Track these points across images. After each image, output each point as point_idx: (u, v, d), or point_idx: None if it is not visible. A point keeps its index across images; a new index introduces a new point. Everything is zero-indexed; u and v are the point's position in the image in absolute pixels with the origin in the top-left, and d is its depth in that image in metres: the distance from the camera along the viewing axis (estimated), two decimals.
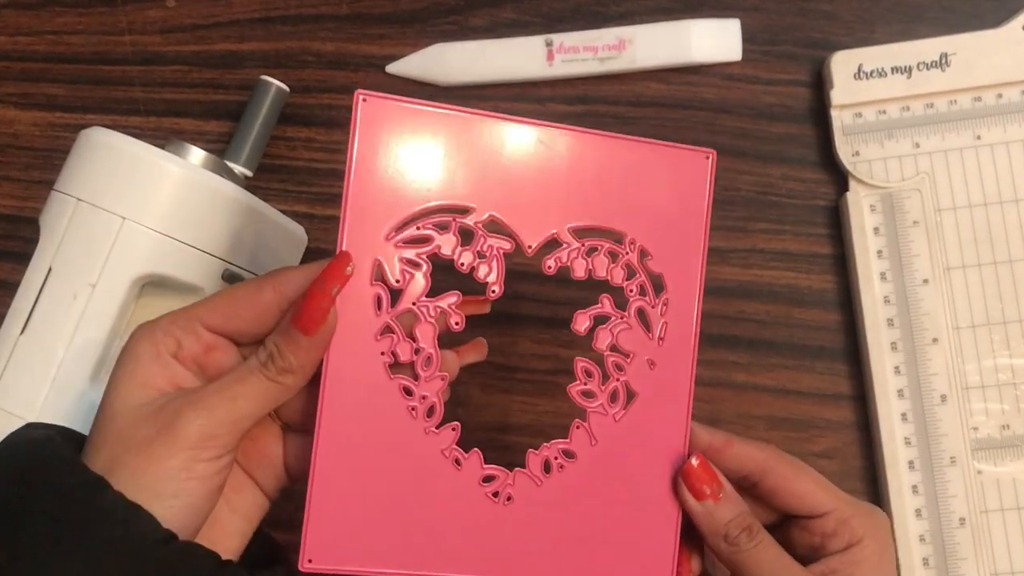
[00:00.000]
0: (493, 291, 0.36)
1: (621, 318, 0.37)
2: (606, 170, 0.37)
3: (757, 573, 0.36)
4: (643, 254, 0.37)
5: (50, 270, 0.42)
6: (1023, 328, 0.46)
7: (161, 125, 0.53)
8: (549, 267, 0.37)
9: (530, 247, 0.36)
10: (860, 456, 0.48)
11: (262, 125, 0.50)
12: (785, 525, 0.39)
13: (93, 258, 0.41)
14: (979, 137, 0.48)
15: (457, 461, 0.35)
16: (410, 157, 0.35)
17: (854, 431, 0.48)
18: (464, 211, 0.36)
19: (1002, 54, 0.47)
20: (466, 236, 0.36)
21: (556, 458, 0.36)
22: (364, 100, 0.35)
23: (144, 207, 0.42)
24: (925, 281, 0.47)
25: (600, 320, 0.37)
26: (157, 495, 0.31)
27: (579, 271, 0.37)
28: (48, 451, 0.32)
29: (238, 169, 0.49)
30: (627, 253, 0.37)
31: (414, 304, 0.35)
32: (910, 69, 0.48)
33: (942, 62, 0.48)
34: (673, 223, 0.37)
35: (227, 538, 0.35)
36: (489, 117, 0.36)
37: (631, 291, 0.37)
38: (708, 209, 0.37)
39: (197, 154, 0.44)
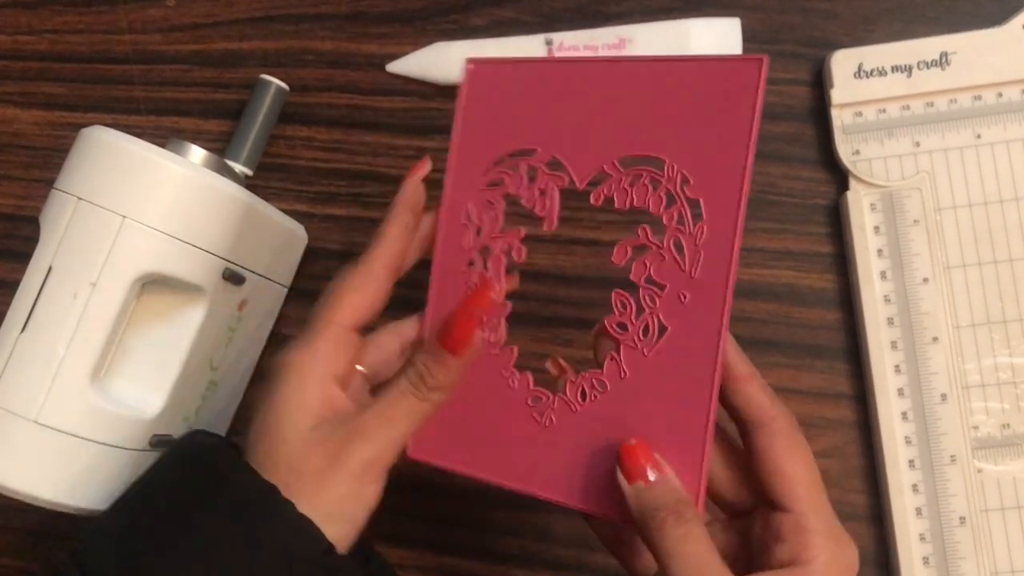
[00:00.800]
0: (549, 225, 0.38)
1: (657, 248, 0.36)
2: (651, 96, 0.36)
3: (677, 568, 0.32)
4: (684, 180, 0.35)
5: (50, 269, 0.42)
6: (1023, 327, 0.46)
7: (161, 124, 0.53)
8: (595, 201, 0.37)
9: (581, 181, 0.37)
10: (860, 455, 0.48)
11: (262, 124, 0.50)
12: (751, 519, 0.36)
13: (93, 257, 0.41)
14: (979, 136, 0.48)
15: (512, 382, 0.38)
16: (500, 111, 0.39)
17: (854, 430, 0.48)
18: (531, 152, 0.39)
19: (1002, 53, 0.47)
20: (532, 176, 0.39)
21: (591, 387, 0.37)
22: (473, 68, 0.40)
23: (144, 206, 0.41)
24: (925, 280, 0.47)
25: (639, 250, 0.36)
26: (329, 517, 0.34)
27: (620, 202, 0.37)
28: (225, 457, 0.36)
29: (238, 168, 0.49)
30: (667, 180, 0.36)
31: (490, 240, 0.39)
32: (910, 68, 0.48)
33: (942, 61, 0.48)
34: (716, 144, 0.35)
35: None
36: (558, 62, 0.39)
37: (669, 220, 0.36)
38: (754, 123, 0.34)
39: (197, 153, 0.44)
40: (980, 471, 0.45)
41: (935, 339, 0.46)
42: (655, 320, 0.36)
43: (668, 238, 0.36)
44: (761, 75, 0.34)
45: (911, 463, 0.46)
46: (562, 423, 0.37)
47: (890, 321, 0.47)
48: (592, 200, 0.37)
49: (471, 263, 0.39)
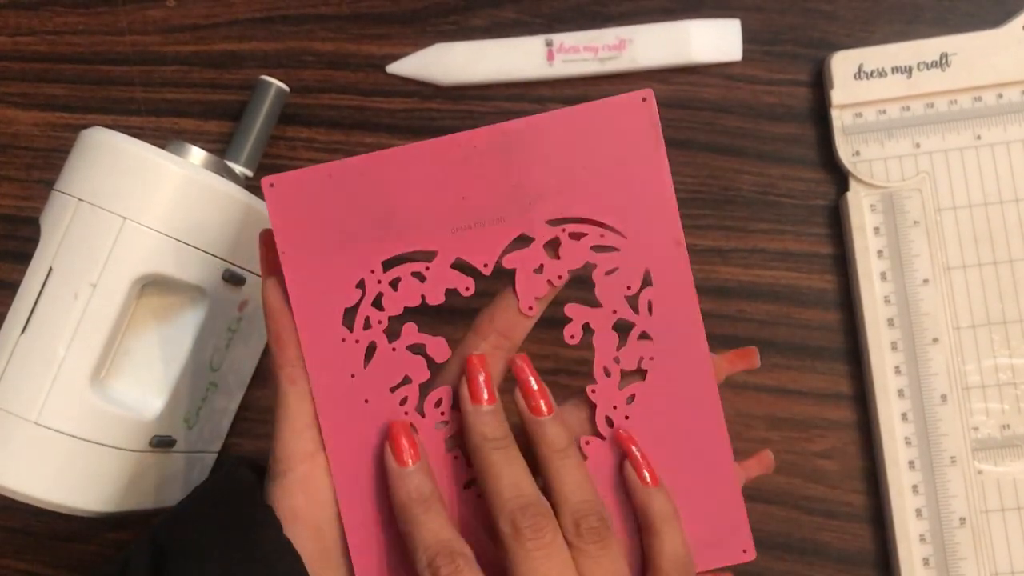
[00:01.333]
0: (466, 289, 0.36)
1: (602, 315, 0.36)
2: (541, 153, 0.35)
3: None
4: (603, 226, 0.35)
5: (50, 270, 0.42)
6: (1023, 328, 0.46)
7: (161, 125, 0.53)
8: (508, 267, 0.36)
9: (486, 265, 0.36)
10: (860, 456, 0.48)
11: (262, 125, 0.50)
12: None
13: (94, 258, 0.41)
14: (979, 137, 0.48)
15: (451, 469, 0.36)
16: (335, 224, 0.35)
17: (854, 431, 0.48)
18: (408, 257, 0.36)
19: (1002, 54, 0.47)
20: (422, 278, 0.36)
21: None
22: (272, 187, 0.35)
23: (144, 207, 0.41)
24: (925, 281, 0.47)
25: (588, 328, 0.36)
26: None
27: (553, 273, 0.36)
28: (253, 501, 0.35)
29: (238, 169, 0.49)
30: (586, 234, 0.35)
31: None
32: (910, 69, 0.48)
33: (942, 62, 0.48)
34: (629, 181, 0.35)
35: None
36: (399, 151, 0.35)
37: (601, 273, 0.36)
38: (661, 152, 0.35)
39: (197, 154, 0.44)
40: (980, 472, 0.45)
41: (935, 340, 0.46)
42: (619, 372, 0.36)
43: (607, 296, 0.36)
44: (650, 108, 0.35)
45: (911, 464, 0.46)
46: None
47: (890, 322, 0.47)
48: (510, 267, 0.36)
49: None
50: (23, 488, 0.40)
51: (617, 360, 0.36)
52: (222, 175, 0.44)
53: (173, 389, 0.44)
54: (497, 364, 0.37)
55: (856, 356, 0.48)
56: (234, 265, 0.45)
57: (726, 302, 0.49)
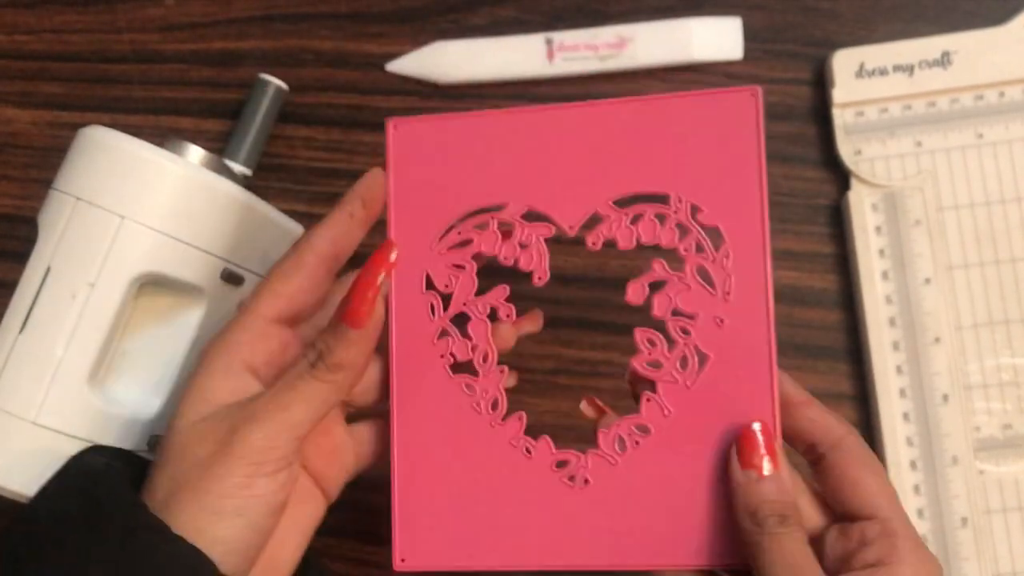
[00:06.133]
0: (539, 279, 0.37)
1: (679, 279, 0.35)
2: (640, 135, 0.36)
3: (771, 562, 0.31)
4: (694, 210, 0.35)
5: (48, 269, 0.41)
6: None
7: (160, 124, 0.53)
8: (593, 244, 0.36)
9: (571, 228, 0.36)
10: None
11: (261, 124, 0.50)
12: (824, 531, 0.35)
13: (92, 257, 0.41)
14: (981, 136, 0.47)
15: (527, 450, 0.36)
16: (444, 169, 0.37)
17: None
18: (500, 208, 0.37)
19: (1004, 52, 0.47)
20: (507, 231, 0.37)
21: (630, 434, 0.35)
22: (395, 128, 0.38)
23: (143, 206, 0.41)
24: (927, 280, 0.47)
25: (656, 286, 0.36)
26: (218, 514, 0.31)
27: (624, 241, 0.36)
28: (108, 487, 0.32)
29: (237, 168, 0.49)
30: (675, 212, 0.35)
31: (464, 305, 0.37)
32: (912, 67, 0.48)
33: (944, 60, 0.48)
34: (723, 172, 0.35)
35: (286, 556, 0.35)
36: (510, 113, 0.37)
37: (686, 250, 0.35)
38: (761, 150, 0.35)
39: (196, 153, 0.44)
40: (982, 472, 0.45)
41: (937, 340, 0.46)
42: (692, 350, 0.35)
43: (689, 267, 0.35)
44: (757, 106, 0.35)
45: (913, 464, 0.46)
46: (600, 482, 0.35)
47: (892, 322, 0.47)
48: (590, 243, 0.36)
49: (443, 334, 0.37)
50: (22, 489, 0.40)
51: (686, 331, 0.35)
52: (221, 174, 0.44)
53: (172, 389, 0.44)
54: None
55: (857, 356, 0.48)
56: (233, 264, 0.45)
57: None
